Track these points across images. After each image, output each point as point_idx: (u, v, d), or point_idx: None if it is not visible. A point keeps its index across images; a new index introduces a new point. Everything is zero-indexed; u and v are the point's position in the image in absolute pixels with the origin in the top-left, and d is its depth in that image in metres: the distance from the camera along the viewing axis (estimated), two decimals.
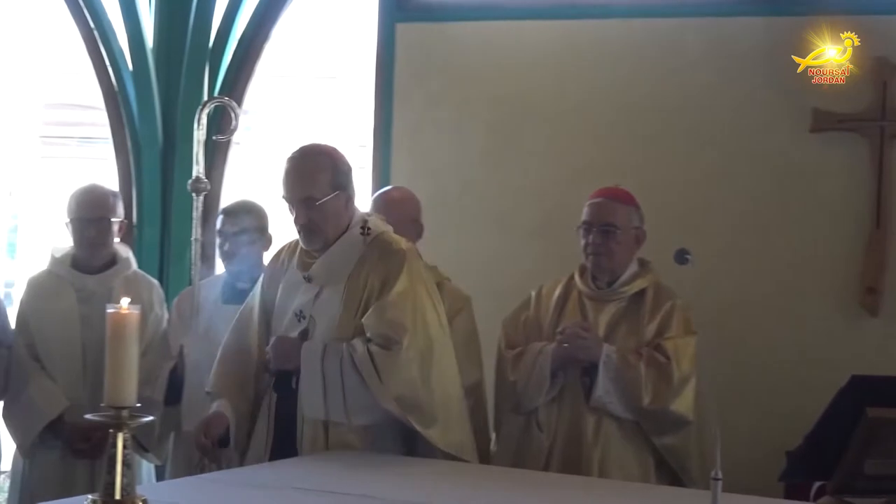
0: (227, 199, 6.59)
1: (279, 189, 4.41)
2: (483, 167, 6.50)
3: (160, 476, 5.63)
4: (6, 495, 5.76)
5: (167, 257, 6.89)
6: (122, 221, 5.42)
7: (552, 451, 4.78)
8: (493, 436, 5.06)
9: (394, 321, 4.24)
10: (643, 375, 4.67)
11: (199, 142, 5.38)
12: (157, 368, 5.11)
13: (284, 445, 4.30)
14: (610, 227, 4.84)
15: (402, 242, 4.47)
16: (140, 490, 2.93)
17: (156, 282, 5.64)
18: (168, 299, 5.64)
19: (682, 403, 4.69)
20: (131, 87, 6.97)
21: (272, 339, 4.42)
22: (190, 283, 5.49)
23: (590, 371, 4.73)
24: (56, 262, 5.46)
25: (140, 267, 5.68)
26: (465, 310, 5.09)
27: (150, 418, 2.95)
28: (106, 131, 7.23)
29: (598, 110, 6.37)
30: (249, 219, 5.34)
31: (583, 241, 4.89)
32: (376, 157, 6.84)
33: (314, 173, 4.35)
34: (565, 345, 4.74)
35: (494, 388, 5.03)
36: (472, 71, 6.56)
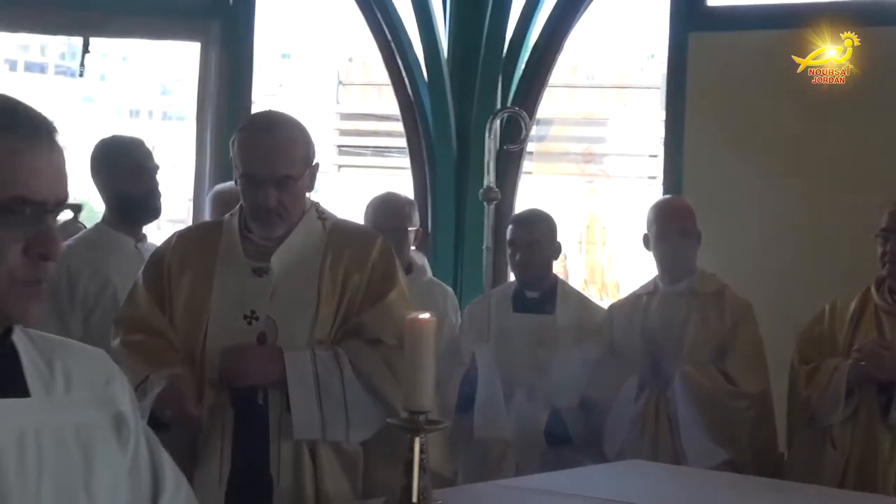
0: (519, 208, 6.64)
1: (241, 164, 3.73)
2: (771, 177, 6.37)
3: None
4: None
5: (461, 265, 6.98)
6: (417, 229, 5.51)
7: (847, 468, 4.64)
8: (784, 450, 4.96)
9: None
10: None
11: (490, 151, 5.44)
12: (449, 375, 5.18)
13: (248, 471, 3.63)
14: None
15: (372, 231, 4.08)
16: (435, 494, 2.99)
17: (450, 289, 5.72)
18: (461, 307, 5.72)
19: None
20: (427, 98, 7.10)
21: (221, 352, 3.65)
22: (482, 292, 5.54)
23: (887, 388, 4.57)
24: None
25: (435, 274, 5.78)
26: (747, 317, 5.00)
27: (447, 424, 3.00)
28: (400, 141, 7.38)
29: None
30: (540, 228, 5.36)
31: (880, 250, 4.69)
32: (667, 166, 6.79)
33: (290, 147, 3.73)
34: (862, 363, 4.59)
35: (787, 403, 4.92)
36: (765, 79, 6.42)
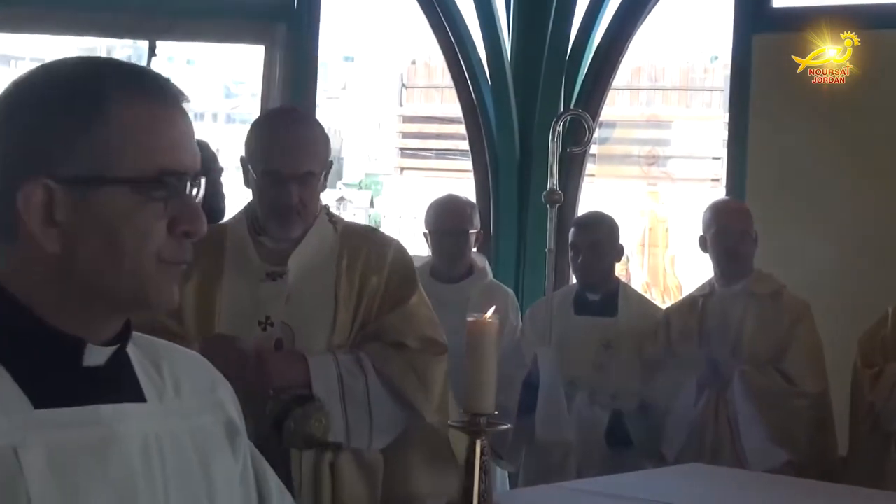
0: (581, 210, 6.64)
1: (263, 160, 3.58)
2: (836, 178, 6.32)
3: (513, 484, 5.71)
4: None
5: (523, 268, 6.99)
6: (478, 232, 5.52)
7: None
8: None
9: (433, 322, 3.68)
10: None
11: (553, 154, 5.44)
12: (511, 377, 5.18)
13: None
14: None
15: (386, 234, 3.91)
16: (495, 496, 3.00)
17: (511, 292, 5.73)
18: (523, 309, 5.72)
19: None
20: (490, 101, 7.11)
21: (237, 355, 3.35)
22: (544, 294, 5.55)
23: None
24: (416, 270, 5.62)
25: (496, 277, 5.79)
26: (805, 318, 4.99)
27: (508, 426, 3.01)
28: (463, 144, 7.40)
29: None
30: (602, 230, 5.36)
31: None
32: (731, 168, 6.76)
33: (313, 143, 3.61)
34: None
35: (850, 406, 4.89)
36: (835, 84, 6.35)
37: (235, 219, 3.74)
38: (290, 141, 3.55)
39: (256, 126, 3.70)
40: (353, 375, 3.48)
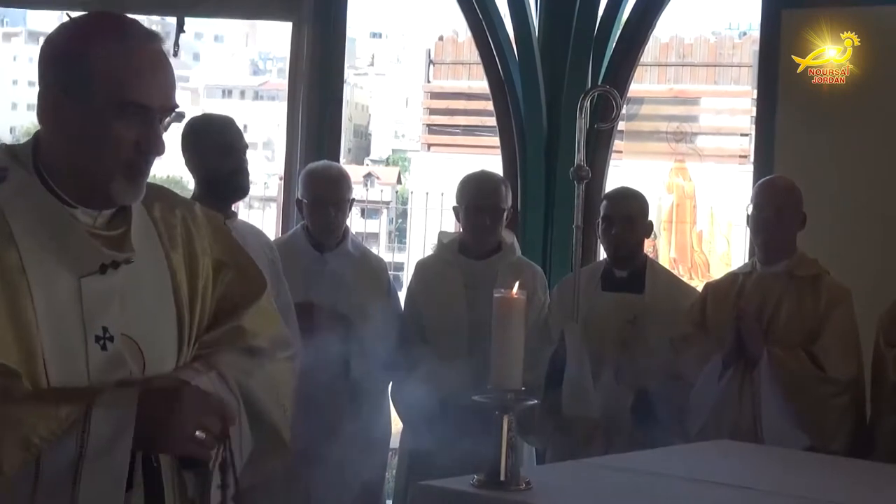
0: (609, 187, 6.62)
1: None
2: (868, 160, 6.28)
3: (540, 460, 5.73)
4: (395, 472, 5.98)
5: (550, 244, 6.98)
6: (509, 209, 5.52)
7: None
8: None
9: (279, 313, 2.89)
10: None
11: (581, 130, 5.44)
12: (539, 353, 5.18)
13: None
14: None
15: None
16: (523, 472, 3.01)
17: (539, 268, 5.73)
18: (550, 286, 5.72)
19: None
20: (518, 77, 7.10)
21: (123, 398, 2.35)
22: (571, 270, 5.55)
23: None
24: (444, 247, 5.63)
25: (524, 253, 5.80)
26: (844, 303, 4.94)
27: (535, 402, 3.02)
28: (490, 120, 7.39)
29: None
30: (635, 205, 5.35)
31: None
32: (759, 145, 6.73)
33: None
34: None
35: (871, 386, 4.86)
36: (863, 58, 6.31)
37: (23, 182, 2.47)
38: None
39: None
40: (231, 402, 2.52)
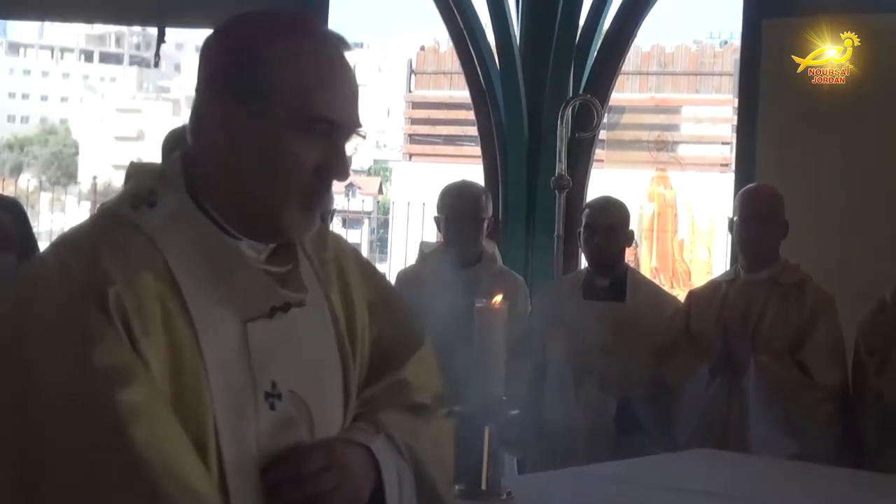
0: (591, 196, 6.64)
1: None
2: (849, 166, 6.30)
3: (521, 470, 5.72)
4: None
5: (532, 253, 6.99)
6: (490, 219, 5.52)
7: None
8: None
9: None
10: None
11: (562, 139, 5.44)
12: (521, 363, 5.18)
13: None
14: None
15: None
16: (504, 482, 3.00)
17: (520, 278, 5.73)
18: (532, 295, 5.72)
19: None
20: (499, 86, 7.11)
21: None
22: (552, 279, 5.54)
23: None
24: (425, 257, 5.63)
25: (506, 263, 5.79)
26: (828, 310, 4.95)
27: (516, 412, 3.01)
28: (471, 130, 7.40)
29: None
30: (616, 214, 5.36)
31: None
32: (740, 155, 6.75)
33: None
34: None
35: (853, 394, 4.87)
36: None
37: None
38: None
39: None
40: (402, 471, 2.20)
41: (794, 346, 4.91)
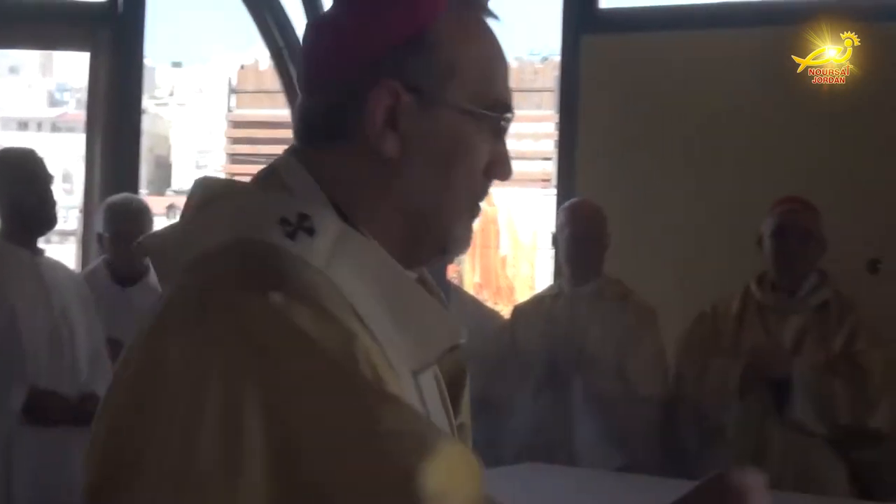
0: None
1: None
2: (670, 180, 6.40)
3: None
4: None
5: None
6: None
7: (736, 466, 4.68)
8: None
9: None
10: (839, 391, 4.56)
11: None
12: None
13: None
14: (805, 234, 4.74)
15: None
16: None
17: None
18: None
19: (880, 418, 4.57)
20: None
21: None
22: None
23: (781, 387, 4.63)
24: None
25: None
26: (650, 323, 5.04)
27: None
28: None
29: (790, 121, 6.18)
30: None
31: (770, 249, 4.79)
32: (561, 169, 6.82)
33: None
34: (754, 362, 4.65)
35: (675, 403, 4.96)
36: (661, 83, 6.43)
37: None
38: None
39: None
40: None
41: (618, 359, 4.98)
